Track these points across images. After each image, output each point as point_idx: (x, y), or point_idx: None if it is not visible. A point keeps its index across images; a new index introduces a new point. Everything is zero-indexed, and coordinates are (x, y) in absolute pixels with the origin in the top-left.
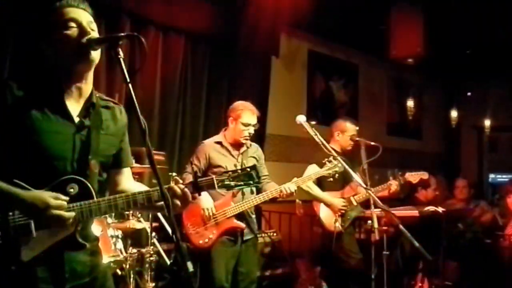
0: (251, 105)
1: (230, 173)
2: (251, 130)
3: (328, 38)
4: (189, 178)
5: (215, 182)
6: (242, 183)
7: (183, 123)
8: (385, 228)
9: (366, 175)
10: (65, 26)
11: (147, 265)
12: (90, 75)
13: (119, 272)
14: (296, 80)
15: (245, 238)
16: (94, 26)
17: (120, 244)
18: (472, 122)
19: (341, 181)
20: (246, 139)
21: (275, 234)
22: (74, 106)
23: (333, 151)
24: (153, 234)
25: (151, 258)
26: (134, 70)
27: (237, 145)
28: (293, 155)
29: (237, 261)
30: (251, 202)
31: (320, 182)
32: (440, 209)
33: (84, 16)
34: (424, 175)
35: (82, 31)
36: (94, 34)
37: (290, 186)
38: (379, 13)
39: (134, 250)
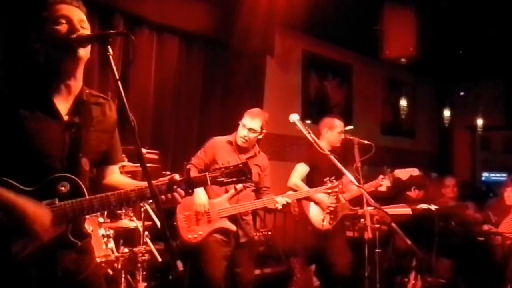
0: (259, 112)
1: (223, 169)
2: (246, 133)
3: (323, 38)
4: (194, 170)
5: (208, 179)
6: (234, 179)
7: (177, 122)
8: (377, 226)
9: (359, 173)
10: (55, 22)
11: (139, 265)
12: (80, 73)
13: (110, 272)
14: (291, 80)
15: (240, 240)
16: (85, 25)
17: (111, 244)
18: (465, 122)
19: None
20: (242, 141)
21: (269, 232)
22: (63, 104)
23: (325, 150)
24: (146, 233)
25: (143, 258)
26: (125, 65)
27: (245, 149)
28: (288, 154)
29: (233, 262)
30: (246, 206)
31: (309, 179)
32: (433, 207)
33: (76, 14)
34: (414, 172)
35: (72, 27)
36: (84, 31)
37: (282, 200)
38: (372, 13)
39: (126, 250)
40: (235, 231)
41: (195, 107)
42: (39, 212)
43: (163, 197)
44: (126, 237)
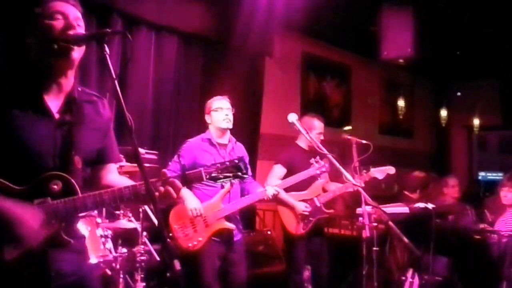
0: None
1: (218, 165)
2: (227, 112)
3: (322, 39)
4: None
5: (203, 174)
6: (230, 174)
7: (176, 122)
8: (375, 224)
9: (357, 173)
10: (51, 17)
11: (137, 265)
12: (71, 71)
13: (108, 272)
14: (290, 81)
15: (235, 238)
16: (81, 23)
17: (109, 244)
18: (462, 121)
19: (307, 182)
20: (227, 121)
21: (269, 232)
22: (54, 102)
23: (324, 149)
24: (144, 233)
25: (142, 258)
26: (123, 64)
27: (223, 141)
28: None
29: (226, 261)
30: (241, 203)
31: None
32: (430, 206)
33: (72, 11)
34: (390, 170)
35: (68, 24)
36: (80, 30)
37: (272, 190)
38: (370, 15)
39: (125, 250)
40: (232, 229)
41: (194, 107)
42: (27, 215)
43: (157, 193)
44: (124, 238)
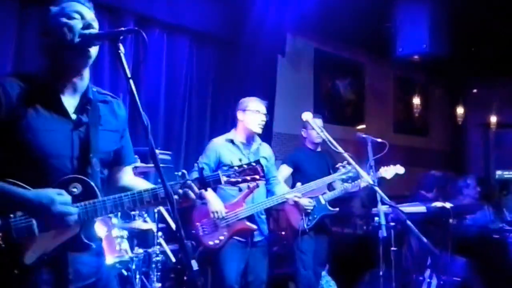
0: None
1: (236, 167)
2: (263, 118)
3: (334, 37)
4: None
5: (221, 178)
6: (248, 178)
7: (189, 122)
8: (392, 224)
9: (373, 171)
10: (68, 17)
11: (153, 265)
12: (87, 72)
13: (125, 272)
14: (303, 79)
15: (255, 239)
16: (96, 24)
17: (125, 245)
18: (478, 119)
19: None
20: (261, 127)
21: (283, 232)
22: (70, 102)
23: (340, 148)
24: (160, 234)
25: (158, 258)
26: (137, 64)
27: (249, 143)
28: None
29: (246, 263)
30: (263, 204)
31: (294, 180)
32: (447, 205)
33: (88, 12)
34: (399, 169)
35: (86, 23)
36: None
37: (292, 196)
38: (384, 11)
39: (141, 250)
40: (253, 230)
41: (207, 107)
42: (51, 195)
43: (176, 196)
44: (140, 238)
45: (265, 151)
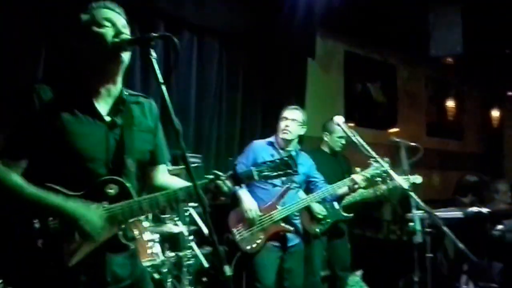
0: (297, 107)
1: (268, 162)
2: (288, 123)
3: (365, 39)
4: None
5: (254, 173)
6: (281, 172)
7: (219, 125)
8: (428, 230)
9: (408, 176)
10: (99, 25)
11: (185, 269)
12: (120, 76)
13: (156, 276)
14: (333, 82)
15: (290, 244)
16: (127, 31)
17: (157, 248)
18: None
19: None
20: (284, 132)
21: None
22: (103, 106)
23: (372, 152)
24: (191, 237)
25: (189, 262)
26: (168, 70)
27: (284, 148)
28: None
29: (282, 269)
30: (298, 204)
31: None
32: (484, 210)
33: (119, 19)
34: (417, 179)
35: (117, 30)
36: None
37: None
38: (416, 13)
39: (172, 254)
40: (289, 231)
41: (237, 110)
42: (90, 214)
43: (210, 194)
44: (171, 242)
45: (303, 159)
